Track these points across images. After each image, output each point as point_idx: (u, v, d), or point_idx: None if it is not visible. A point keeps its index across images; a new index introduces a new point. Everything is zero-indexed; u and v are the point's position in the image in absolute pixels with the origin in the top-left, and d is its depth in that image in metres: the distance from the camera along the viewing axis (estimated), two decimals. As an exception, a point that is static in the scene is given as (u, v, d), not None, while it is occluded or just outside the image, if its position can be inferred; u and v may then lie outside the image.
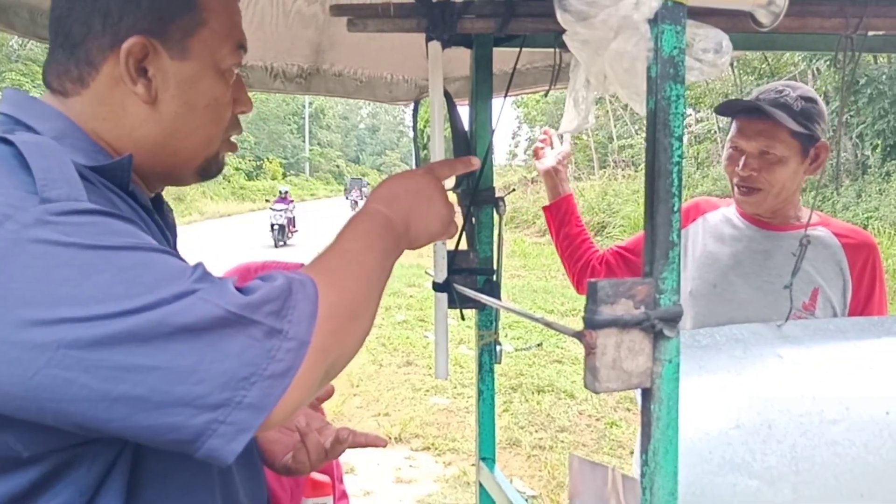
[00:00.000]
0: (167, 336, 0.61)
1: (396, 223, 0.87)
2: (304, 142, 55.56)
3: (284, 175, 47.14)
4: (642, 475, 0.80)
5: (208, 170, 0.90)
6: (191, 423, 0.62)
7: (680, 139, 0.77)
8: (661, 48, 0.74)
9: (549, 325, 0.86)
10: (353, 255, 0.79)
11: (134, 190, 0.80)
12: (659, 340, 0.77)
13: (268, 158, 45.13)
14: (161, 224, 0.86)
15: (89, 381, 0.61)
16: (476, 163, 1.06)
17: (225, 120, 0.88)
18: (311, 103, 55.24)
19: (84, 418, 0.62)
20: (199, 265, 0.68)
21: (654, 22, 0.74)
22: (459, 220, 0.97)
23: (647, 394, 0.79)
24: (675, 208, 0.78)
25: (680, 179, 0.77)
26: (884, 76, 11.13)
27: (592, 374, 0.76)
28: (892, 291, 8.41)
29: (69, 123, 0.79)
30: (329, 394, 1.16)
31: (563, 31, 0.80)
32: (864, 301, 1.62)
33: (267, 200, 21.56)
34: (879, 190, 10.69)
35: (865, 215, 10.19)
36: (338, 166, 60.53)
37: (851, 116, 11.27)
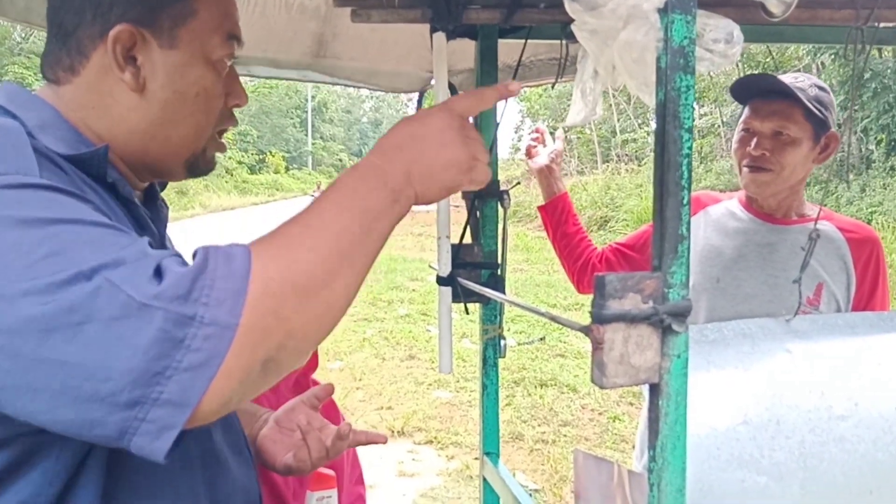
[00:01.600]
0: (75, 327, 0.58)
1: (393, 176, 0.75)
2: (306, 135, 55.56)
3: (287, 169, 47.17)
4: (650, 471, 0.79)
5: (196, 165, 0.90)
6: (109, 421, 0.59)
7: (690, 131, 0.76)
8: (672, 38, 0.73)
9: (554, 319, 0.85)
10: (318, 219, 0.70)
11: (115, 181, 0.80)
12: (667, 335, 0.76)
13: (270, 152, 45.14)
14: (144, 218, 0.85)
15: (11, 367, 0.59)
16: (514, 87, 0.85)
17: (215, 110, 0.88)
18: (313, 97, 55.25)
19: (15, 407, 0.61)
20: (138, 243, 0.65)
21: (664, 11, 0.73)
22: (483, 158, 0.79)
23: (654, 389, 0.78)
24: (685, 201, 0.77)
25: (689, 172, 0.76)
26: (889, 70, 11.08)
27: (599, 370, 0.75)
28: (894, 285, 8.40)
29: (54, 114, 0.80)
30: (328, 393, 1.14)
31: (571, 21, 0.79)
32: (867, 296, 1.62)
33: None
34: (883, 185, 10.66)
35: (869, 210, 10.16)
36: (340, 160, 60.50)
37: (856, 111, 11.22)
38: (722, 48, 0.78)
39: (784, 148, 1.56)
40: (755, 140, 1.58)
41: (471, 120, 0.83)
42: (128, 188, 0.82)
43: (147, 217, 0.87)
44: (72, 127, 0.81)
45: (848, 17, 1.11)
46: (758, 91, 1.61)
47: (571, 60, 1.42)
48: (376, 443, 1.11)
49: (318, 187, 29.76)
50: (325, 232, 0.69)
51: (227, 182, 32.39)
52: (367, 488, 3.83)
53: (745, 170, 1.62)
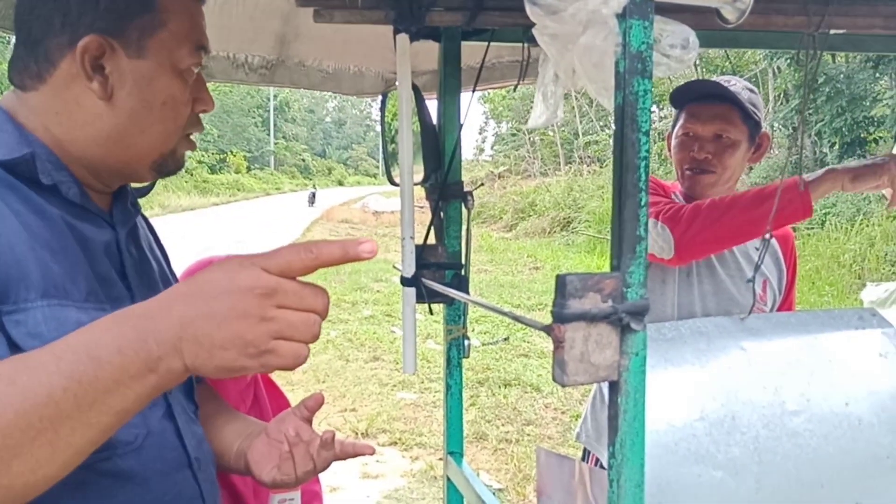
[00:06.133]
0: None
1: (161, 336, 0.58)
2: (268, 135, 55.01)
3: (249, 168, 46.65)
4: (610, 468, 0.81)
5: (165, 166, 0.91)
6: None
7: (647, 134, 0.77)
8: (630, 43, 0.74)
9: (517, 319, 0.86)
10: (26, 376, 0.57)
11: (57, 184, 0.81)
12: (626, 334, 0.78)
13: (231, 152, 44.61)
14: (94, 219, 0.85)
15: None
16: (367, 247, 0.63)
17: (182, 117, 0.89)
18: (275, 96, 54.78)
19: None
20: None
21: (622, 17, 0.74)
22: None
23: (614, 387, 0.80)
24: (642, 203, 0.78)
25: (647, 174, 0.78)
26: (841, 75, 11.40)
27: (561, 368, 0.76)
28: (847, 284, 8.65)
29: (2, 117, 0.82)
30: (318, 403, 1.07)
31: (532, 25, 0.80)
32: (789, 286, 1.72)
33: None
34: (836, 186, 10.95)
35: (823, 211, 10.43)
36: (303, 160, 60.09)
37: (810, 114, 11.52)
38: (678, 53, 0.80)
39: (725, 150, 1.62)
40: (698, 144, 1.63)
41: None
42: (74, 190, 0.83)
43: (103, 219, 0.87)
44: (20, 130, 0.81)
45: (801, 24, 1.15)
46: (697, 95, 1.66)
47: (533, 63, 1.44)
48: (364, 454, 1.06)
49: (315, 185, 28.96)
50: (24, 397, 0.56)
51: (186, 182, 31.87)
52: (330, 491, 3.78)
53: (687, 173, 1.66)
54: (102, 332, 0.59)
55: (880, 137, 11.38)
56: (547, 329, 0.77)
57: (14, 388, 0.56)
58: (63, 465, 0.59)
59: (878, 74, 11.52)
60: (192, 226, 18.59)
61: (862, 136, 11.45)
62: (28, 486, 0.58)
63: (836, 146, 11.71)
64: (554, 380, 0.78)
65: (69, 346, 0.59)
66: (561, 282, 0.75)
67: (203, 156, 38.43)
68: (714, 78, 1.70)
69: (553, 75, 0.85)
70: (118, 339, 0.58)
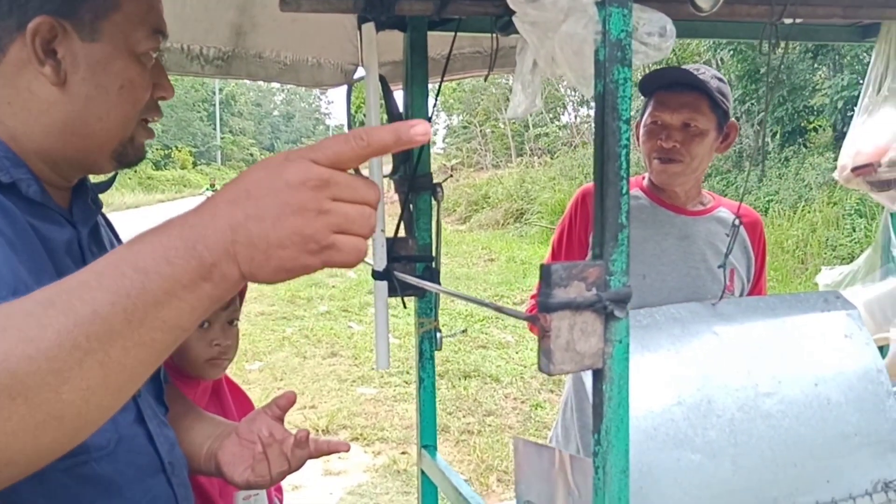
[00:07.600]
0: None
1: (210, 244, 0.54)
2: (215, 129, 53.95)
3: (195, 164, 45.72)
4: (595, 455, 0.81)
5: (125, 155, 0.88)
6: None
7: (628, 122, 0.78)
8: (609, 31, 0.74)
9: (499, 309, 0.86)
10: (65, 296, 0.53)
11: (17, 181, 0.77)
12: (610, 321, 0.78)
13: (176, 147, 43.65)
14: (54, 217, 0.82)
15: None
16: (420, 129, 0.56)
17: (141, 102, 0.86)
18: (221, 90, 53.71)
19: None
20: None
21: (601, 4, 0.74)
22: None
23: (598, 374, 0.80)
24: (624, 191, 0.79)
25: (628, 162, 0.78)
26: (782, 65, 11.70)
27: (547, 357, 0.76)
28: (790, 268, 8.93)
29: None
30: (290, 401, 1.06)
31: (502, 13, 0.80)
32: (758, 273, 1.74)
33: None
34: (779, 174, 11.26)
35: (767, 199, 10.73)
36: (251, 155, 59.11)
37: (753, 104, 11.82)
38: (656, 41, 0.80)
39: (693, 139, 1.61)
40: (665, 132, 1.62)
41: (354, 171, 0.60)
42: (34, 188, 0.79)
43: (63, 217, 0.84)
44: None
45: (763, 13, 1.17)
46: (665, 83, 1.65)
47: (502, 53, 1.43)
48: (339, 451, 1.05)
49: (213, 185, 28.12)
50: (66, 315, 0.52)
51: (130, 179, 31.05)
52: (293, 489, 3.72)
53: (655, 162, 1.65)
54: (142, 246, 0.55)
55: (819, 126, 11.76)
56: (533, 319, 0.76)
57: (53, 309, 0.52)
58: (116, 392, 0.55)
59: (816, 65, 11.88)
60: (137, 224, 18.08)
61: (802, 125, 11.80)
62: (80, 419, 0.54)
63: (778, 135, 12.05)
64: (540, 369, 0.78)
65: (109, 263, 0.55)
66: (546, 271, 0.74)
67: (147, 151, 37.53)
68: (682, 68, 1.70)
69: (531, 64, 0.85)
70: (164, 249, 0.54)
